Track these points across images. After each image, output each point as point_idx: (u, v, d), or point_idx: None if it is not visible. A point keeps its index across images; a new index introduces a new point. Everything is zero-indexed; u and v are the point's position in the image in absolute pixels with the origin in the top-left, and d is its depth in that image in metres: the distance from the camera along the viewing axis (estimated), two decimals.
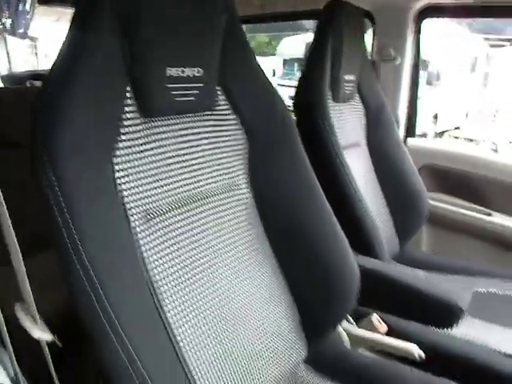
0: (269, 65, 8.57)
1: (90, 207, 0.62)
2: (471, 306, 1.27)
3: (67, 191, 0.60)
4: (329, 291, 0.93)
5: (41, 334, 0.55)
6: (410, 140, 1.77)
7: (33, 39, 6.19)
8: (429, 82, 7.36)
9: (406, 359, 1.01)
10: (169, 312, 0.73)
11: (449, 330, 1.15)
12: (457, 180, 1.69)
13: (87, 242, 0.60)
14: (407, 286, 1.03)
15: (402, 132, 1.74)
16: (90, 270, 0.59)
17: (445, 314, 0.98)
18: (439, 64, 7.85)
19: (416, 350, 1.01)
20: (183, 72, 0.74)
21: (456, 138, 8.15)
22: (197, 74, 0.77)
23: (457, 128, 8.99)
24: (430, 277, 1.42)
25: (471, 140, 7.73)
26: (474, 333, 1.14)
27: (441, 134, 8.24)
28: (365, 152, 1.49)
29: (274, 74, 8.94)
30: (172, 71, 0.73)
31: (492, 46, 10.82)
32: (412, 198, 1.51)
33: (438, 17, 1.64)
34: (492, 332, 1.14)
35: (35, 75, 2.82)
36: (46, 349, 0.65)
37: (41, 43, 6.35)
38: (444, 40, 8.41)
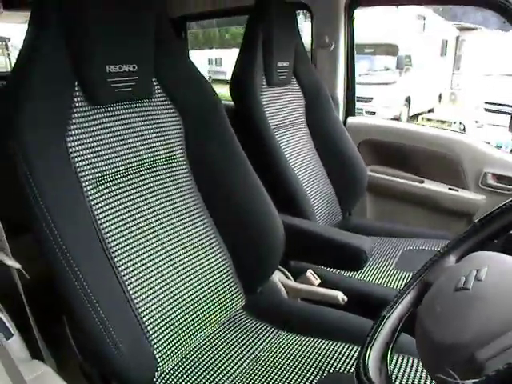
0: None
1: (49, 175, 0.80)
2: (399, 262, 1.46)
3: (30, 165, 0.77)
4: (257, 244, 1.11)
5: (12, 262, 0.71)
6: (349, 119, 1.94)
7: (3, 40, 6.24)
8: (399, 67, 7.55)
9: (334, 305, 1.19)
10: (117, 259, 0.91)
11: (370, 277, 1.34)
12: (393, 152, 1.87)
13: (48, 203, 0.77)
14: (324, 238, 1.21)
15: (342, 112, 1.91)
16: (51, 224, 0.77)
17: (354, 257, 1.15)
18: (409, 48, 8.04)
19: (340, 296, 1.20)
20: (121, 68, 0.92)
21: (429, 120, 8.35)
22: (132, 69, 0.95)
23: (430, 111, 9.21)
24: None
25: (443, 122, 7.93)
26: (397, 282, 1.33)
27: (414, 117, 8.44)
28: (305, 130, 1.66)
29: None
30: (111, 68, 0.91)
31: (462, 29, 11.04)
32: (351, 171, 1.68)
33: (368, 6, 1.81)
34: None
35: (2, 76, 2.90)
36: (19, 281, 0.82)
37: (14, 43, 6.43)
38: (413, 25, 8.60)
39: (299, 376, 0.92)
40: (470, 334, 0.46)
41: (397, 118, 7.45)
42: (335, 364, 0.94)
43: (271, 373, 0.94)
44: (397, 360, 0.92)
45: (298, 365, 0.95)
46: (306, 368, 0.94)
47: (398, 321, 0.67)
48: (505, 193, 1.63)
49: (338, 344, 1.00)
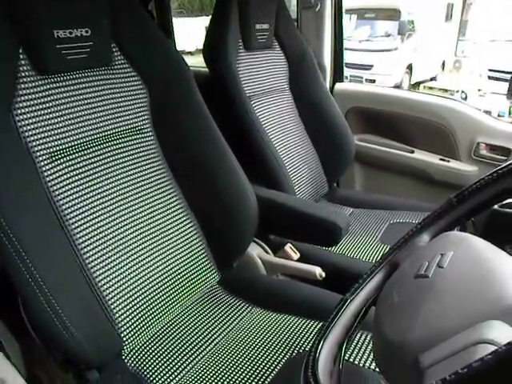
0: None
1: None
2: (384, 235, 1.40)
3: None
4: (229, 215, 1.06)
5: None
6: (337, 85, 1.84)
7: None
8: (401, 32, 7.30)
9: (313, 280, 1.15)
10: (76, 236, 0.86)
11: (348, 253, 1.28)
12: (382, 120, 1.78)
13: None
14: (298, 212, 1.15)
15: (328, 78, 1.81)
16: None
17: (328, 232, 1.10)
18: (412, 13, 7.76)
19: (318, 271, 1.15)
20: (71, 33, 0.84)
21: (431, 88, 8.16)
22: (85, 34, 0.86)
23: (433, 79, 8.98)
24: (356, 212, 1.55)
25: (446, 90, 7.75)
26: (379, 256, 1.27)
27: (416, 86, 8.24)
28: (288, 98, 1.58)
29: None
30: (60, 33, 0.83)
31: None
32: (338, 140, 1.60)
33: None
34: None
35: None
36: None
37: None
38: None
39: (268, 354, 0.89)
40: (417, 332, 0.39)
41: (398, 86, 7.27)
42: (306, 343, 0.90)
43: (241, 350, 0.91)
44: (364, 338, 0.88)
45: (268, 343, 0.92)
46: (276, 346, 0.91)
47: (362, 305, 0.61)
48: (498, 164, 1.55)
49: (311, 322, 0.96)
